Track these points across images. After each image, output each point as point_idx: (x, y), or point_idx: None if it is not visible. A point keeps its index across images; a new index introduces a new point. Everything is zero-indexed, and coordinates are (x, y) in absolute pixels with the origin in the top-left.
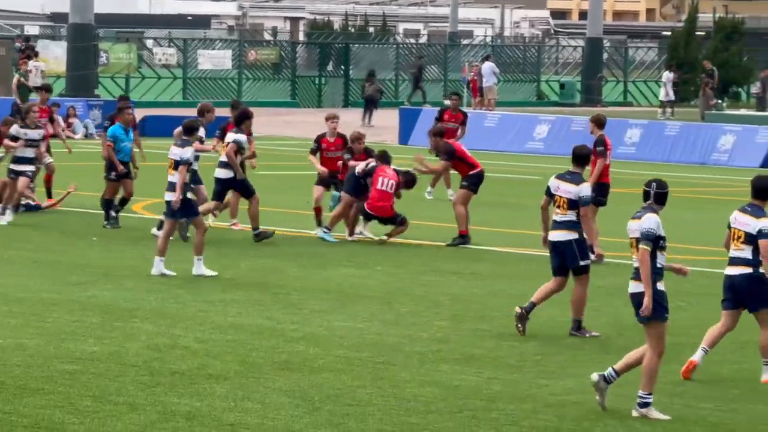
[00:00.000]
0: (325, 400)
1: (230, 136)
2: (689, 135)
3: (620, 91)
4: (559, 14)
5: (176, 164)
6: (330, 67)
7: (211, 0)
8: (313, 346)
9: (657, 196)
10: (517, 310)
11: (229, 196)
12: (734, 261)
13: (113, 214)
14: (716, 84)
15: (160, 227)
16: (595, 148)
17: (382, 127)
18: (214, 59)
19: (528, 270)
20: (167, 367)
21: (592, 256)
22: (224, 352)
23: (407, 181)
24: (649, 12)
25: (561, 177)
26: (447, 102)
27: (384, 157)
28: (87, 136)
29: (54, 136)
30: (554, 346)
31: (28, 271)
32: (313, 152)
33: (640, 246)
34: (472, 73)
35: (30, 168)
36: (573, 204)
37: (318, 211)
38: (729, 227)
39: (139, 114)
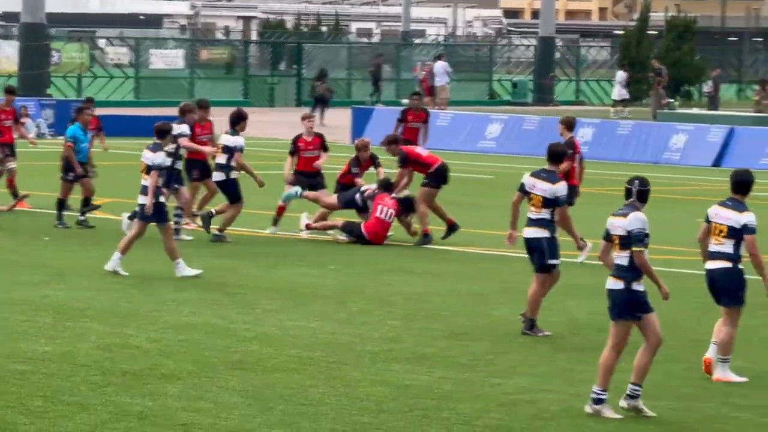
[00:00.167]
0: (278, 399)
1: (226, 139)
2: (641, 134)
3: (573, 90)
4: (511, 13)
5: (148, 168)
6: (282, 67)
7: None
8: (266, 345)
9: (639, 193)
10: (548, 333)
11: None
12: (714, 255)
13: (81, 217)
14: (665, 83)
15: (132, 217)
16: None
17: (335, 127)
18: (167, 58)
19: (482, 269)
20: (119, 367)
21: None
22: (177, 352)
23: (407, 206)
24: (602, 11)
25: (536, 175)
26: (405, 101)
27: (386, 186)
28: (39, 135)
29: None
30: (506, 345)
31: None
32: (292, 154)
33: (634, 248)
34: (423, 72)
35: None
36: (548, 202)
37: (281, 210)
38: (707, 221)
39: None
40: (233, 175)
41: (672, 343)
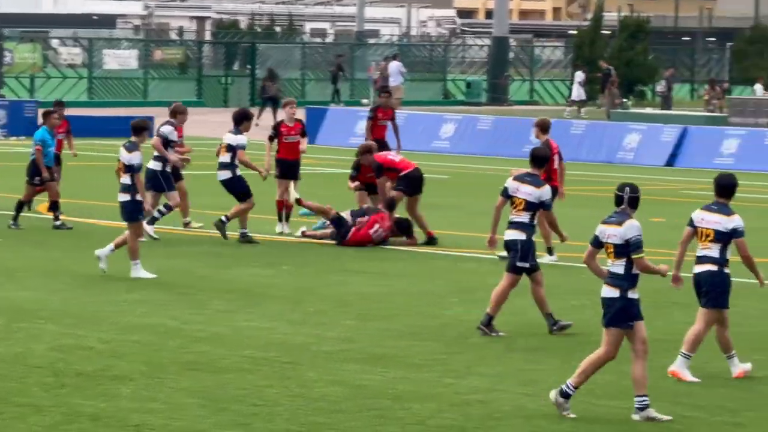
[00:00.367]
0: (231, 400)
1: (229, 137)
2: (595, 134)
3: (526, 90)
4: (465, 13)
5: (126, 168)
6: (236, 67)
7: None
8: (219, 346)
9: (631, 200)
10: (553, 331)
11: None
12: (702, 259)
13: (56, 223)
14: (617, 83)
15: (151, 222)
16: None
17: None
18: (120, 59)
19: (435, 269)
20: (72, 368)
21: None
22: (129, 353)
23: (403, 230)
24: (555, 11)
25: (520, 179)
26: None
27: (390, 206)
28: None
29: None
30: (460, 345)
31: None
32: (271, 138)
33: (635, 256)
34: (378, 72)
35: None
36: (531, 206)
37: (281, 204)
38: (691, 225)
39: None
40: (238, 172)
41: (625, 343)
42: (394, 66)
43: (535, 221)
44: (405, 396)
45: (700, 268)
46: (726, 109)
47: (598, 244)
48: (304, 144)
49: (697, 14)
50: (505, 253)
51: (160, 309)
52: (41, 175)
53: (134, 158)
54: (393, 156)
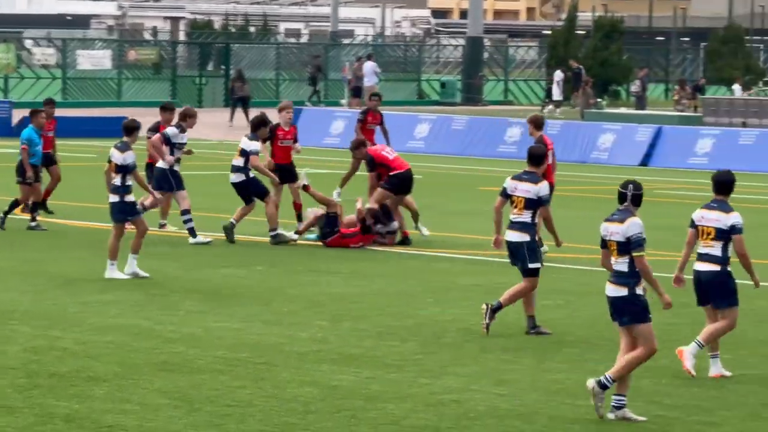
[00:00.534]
0: (205, 401)
1: (244, 143)
2: (569, 133)
3: (501, 90)
4: (439, 13)
5: (119, 168)
6: (210, 67)
7: (90, 0)
8: (192, 346)
9: (634, 197)
10: (531, 334)
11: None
12: (703, 257)
13: (32, 224)
14: (583, 82)
15: (193, 234)
16: None
17: None
18: (94, 59)
19: (408, 269)
20: (45, 369)
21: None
22: (103, 354)
23: (385, 214)
24: (530, 11)
25: (518, 178)
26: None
27: (382, 215)
28: None
29: None
30: (433, 345)
31: None
32: (268, 141)
33: (635, 253)
34: (352, 72)
35: None
36: (530, 204)
37: (298, 206)
38: (693, 226)
39: (18, 114)
40: (251, 174)
41: (596, 343)
42: (369, 66)
43: (536, 220)
44: (379, 396)
45: (702, 267)
46: (700, 109)
47: (605, 244)
48: (298, 147)
49: (671, 14)
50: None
51: (133, 310)
52: (25, 174)
53: (128, 158)
54: (387, 153)
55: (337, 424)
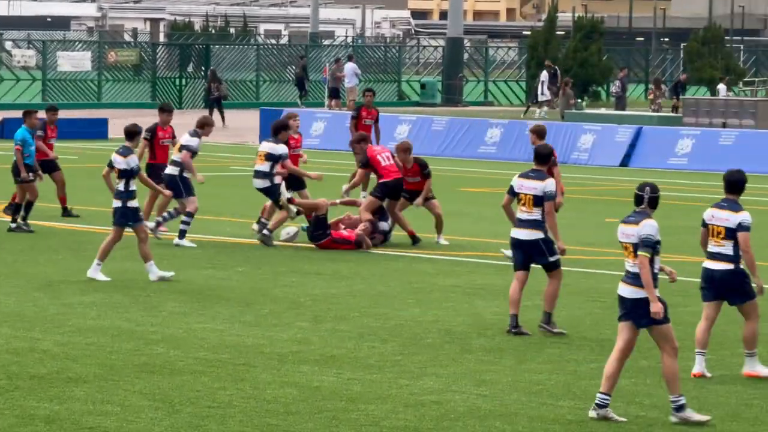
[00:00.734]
0: (186, 402)
1: (268, 146)
2: (549, 134)
3: (481, 90)
4: (419, 14)
5: (120, 173)
6: (190, 68)
7: (70, 1)
8: (173, 348)
9: (651, 200)
10: (511, 333)
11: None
12: (715, 256)
13: (21, 222)
14: (559, 83)
15: (182, 236)
16: None
17: (243, 128)
18: (74, 61)
19: (389, 270)
20: (26, 371)
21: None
22: (83, 355)
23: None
24: (509, 12)
25: (524, 176)
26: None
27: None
28: None
29: None
30: (414, 346)
31: None
32: None
33: (640, 252)
34: (332, 74)
35: None
36: (539, 201)
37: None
38: (704, 225)
39: None
40: (276, 180)
41: (579, 343)
42: (349, 67)
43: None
44: (359, 397)
45: (715, 265)
46: (681, 109)
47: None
48: (304, 156)
49: (651, 15)
50: (510, 253)
51: (114, 311)
52: (20, 174)
53: (131, 161)
54: (382, 158)
55: (318, 425)
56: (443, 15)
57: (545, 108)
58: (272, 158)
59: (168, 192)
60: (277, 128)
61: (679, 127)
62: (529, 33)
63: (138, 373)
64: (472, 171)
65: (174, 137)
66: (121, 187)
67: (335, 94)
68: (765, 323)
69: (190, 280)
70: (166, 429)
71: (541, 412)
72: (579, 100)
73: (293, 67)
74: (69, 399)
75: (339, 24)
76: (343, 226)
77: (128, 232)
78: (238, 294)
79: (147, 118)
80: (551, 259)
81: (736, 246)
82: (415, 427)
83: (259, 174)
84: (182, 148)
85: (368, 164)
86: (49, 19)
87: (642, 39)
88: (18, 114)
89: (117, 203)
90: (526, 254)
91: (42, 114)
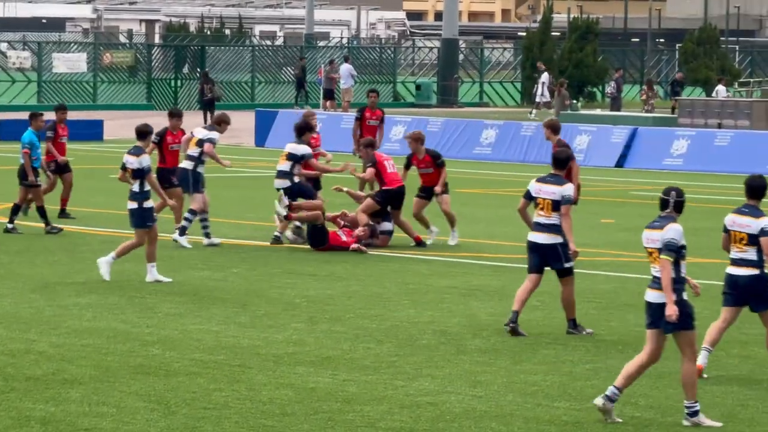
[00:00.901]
0: (181, 403)
1: (291, 147)
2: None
3: (476, 91)
4: (414, 15)
5: (134, 173)
6: (186, 70)
7: (65, 3)
8: (169, 349)
9: (676, 204)
10: (507, 328)
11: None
12: (738, 262)
13: (9, 226)
14: (551, 84)
15: (182, 233)
16: None
17: (239, 129)
18: (69, 62)
19: (384, 271)
20: (22, 373)
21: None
22: (79, 357)
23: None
24: (505, 13)
25: (542, 180)
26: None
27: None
28: None
29: None
30: (409, 347)
31: None
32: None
33: (662, 256)
34: (326, 75)
35: None
36: (557, 205)
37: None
38: (725, 231)
39: None
40: (296, 180)
41: (574, 344)
42: (345, 68)
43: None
44: (355, 398)
45: (738, 271)
46: (677, 110)
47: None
48: (328, 156)
49: (646, 15)
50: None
51: (109, 313)
52: (27, 178)
53: (144, 161)
54: (388, 165)
55: (313, 426)
56: (438, 16)
57: (542, 109)
58: (293, 158)
59: (172, 202)
60: (301, 130)
61: (674, 128)
62: (524, 34)
63: (134, 375)
64: (467, 172)
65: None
66: (135, 188)
67: (330, 95)
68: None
69: (186, 282)
70: (161, 430)
71: (536, 413)
72: (574, 101)
73: (289, 68)
74: (65, 400)
75: (334, 25)
76: (342, 223)
77: (127, 232)
78: (233, 295)
79: (142, 120)
80: (566, 265)
81: (759, 251)
82: (411, 428)
83: (280, 174)
84: (204, 141)
85: (375, 167)
86: (44, 21)
87: (637, 40)
88: (13, 116)
89: (133, 205)
90: (542, 258)
91: (44, 116)
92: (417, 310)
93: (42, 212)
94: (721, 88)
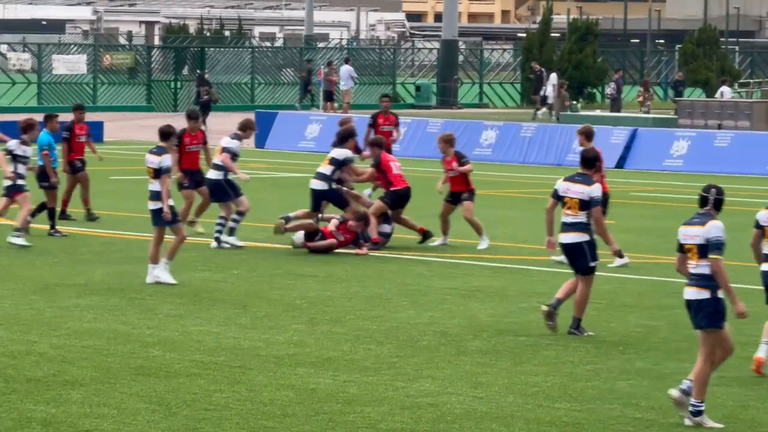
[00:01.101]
0: (182, 405)
1: (335, 152)
2: (545, 136)
3: (476, 92)
4: (414, 17)
5: (155, 173)
6: (185, 71)
7: (65, 4)
8: (170, 350)
9: (716, 202)
10: (544, 308)
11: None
12: None
13: (52, 228)
14: (544, 85)
15: (231, 233)
16: None
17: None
18: (69, 64)
19: (384, 272)
20: (23, 374)
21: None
22: (80, 358)
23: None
24: (504, 14)
25: (570, 179)
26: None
27: (362, 219)
28: None
29: None
30: (410, 348)
31: None
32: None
33: (712, 256)
34: (325, 76)
35: None
36: (584, 205)
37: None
38: (758, 226)
39: None
40: (334, 186)
41: (575, 345)
42: (345, 70)
43: (590, 220)
44: (355, 399)
45: None
46: (674, 110)
47: (682, 249)
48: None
49: (646, 17)
50: (561, 258)
51: (110, 314)
52: (49, 180)
53: (164, 161)
54: (393, 166)
55: (314, 427)
56: (438, 17)
57: (544, 110)
58: (336, 163)
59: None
60: (344, 137)
61: (674, 129)
62: (524, 35)
63: (134, 376)
64: None
65: (205, 142)
66: (157, 187)
67: (329, 96)
68: (761, 323)
69: (186, 283)
70: (162, 431)
71: (537, 414)
72: (574, 102)
73: (289, 69)
74: (65, 402)
75: (334, 26)
76: (338, 222)
77: (128, 233)
78: (234, 297)
79: (141, 121)
80: (591, 264)
81: None
82: (412, 429)
83: (318, 175)
84: (223, 150)
85: (379, 167)
86: (44, 23)
87: (637, 41)
88: (14, 117)
89: (156, 205)
90: (570, 257)
91: (59, 117)
92: (417, 311)
93: (51, 214)
94: (725, 90)
